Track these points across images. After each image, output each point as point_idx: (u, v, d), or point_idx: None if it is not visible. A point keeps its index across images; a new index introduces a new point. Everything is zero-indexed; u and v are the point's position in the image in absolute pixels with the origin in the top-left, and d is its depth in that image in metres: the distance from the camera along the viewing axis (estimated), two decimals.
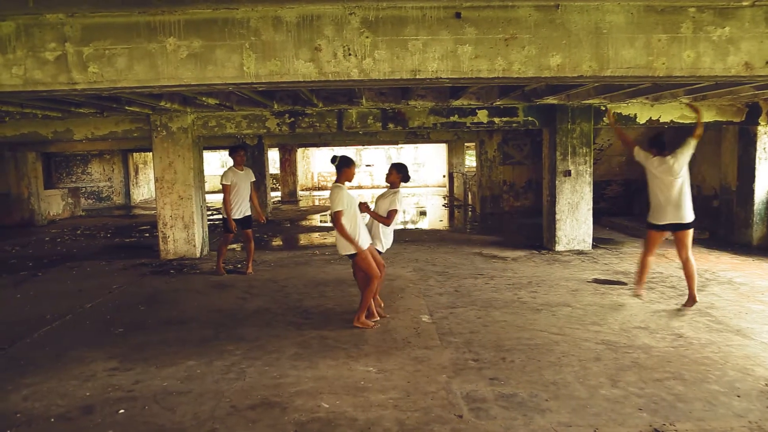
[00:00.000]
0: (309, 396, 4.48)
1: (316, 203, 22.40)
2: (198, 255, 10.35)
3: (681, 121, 10.18)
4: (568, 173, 10.24)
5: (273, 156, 26.08)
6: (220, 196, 8.78)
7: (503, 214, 16.55)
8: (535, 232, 12.02)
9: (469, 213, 17.79)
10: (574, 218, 10.35)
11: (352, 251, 5.92)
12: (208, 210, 18.03)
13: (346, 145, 25.73)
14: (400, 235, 12.94)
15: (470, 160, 26.14)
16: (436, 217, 17.46)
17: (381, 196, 6.52)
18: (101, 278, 8.95)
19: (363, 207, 6.31)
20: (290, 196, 23.61)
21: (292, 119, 10.41)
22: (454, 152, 23.38)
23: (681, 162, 6.47)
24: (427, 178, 29.68)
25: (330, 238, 12.84)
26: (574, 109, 10.05)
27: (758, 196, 10.21)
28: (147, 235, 13.95)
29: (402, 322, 6.28)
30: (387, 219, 6.37)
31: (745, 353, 5.18)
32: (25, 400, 4.53)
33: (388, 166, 6.66)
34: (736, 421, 3.95)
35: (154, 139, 10.18)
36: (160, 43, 4.01)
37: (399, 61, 4.05)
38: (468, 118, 10.28)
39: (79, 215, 19.14)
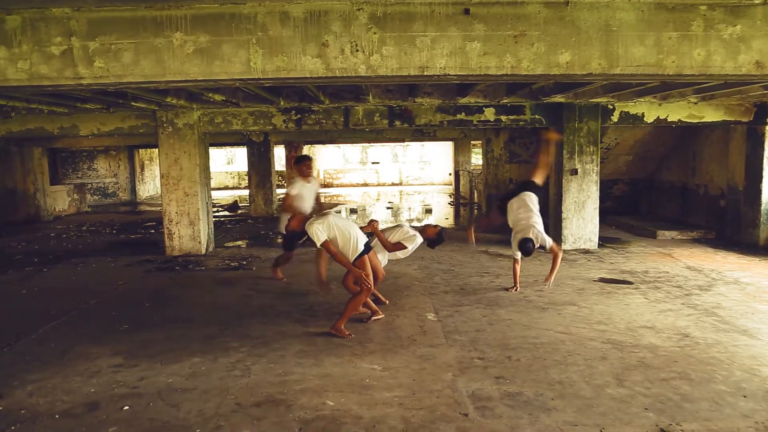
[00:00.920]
0: (314, 393, 4.47)
1: (322, 201, 22.35)
2: (203, 252, 10.36)
3: (689, 121, 10.13)
4: (574, 172, 10.20)
5: (279, 153, 26.09)
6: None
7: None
8: None
9: (475, 211, 17.76)
10: (581, 217, 10.31)
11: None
12: (214, 207, 18.05)
13: (352, 143, 25.72)
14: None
15: (476, 159, 26.08)
16: (442, 215, 17.43)
17: (400, 227, 6.67)
18: (106, 274, 8.96)
19: (372, 226, 6.38)
20: None
21: (299, 116, 10.40)
22: (461, 150, 23.35)
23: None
24: (433, 176, 29.65)
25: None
26: (581, 107, 10.00)
27: (765, 196, 10.14)
28: (152, 231, 13.96)
29: (407, 320, 6.27)
30: (391, 247, 6.47)
31: (751, 353, 5.15)
32: (30, 396, 4.54)
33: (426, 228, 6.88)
34: (743, 422, 3.93)
35: (160, 136, 10.19)
36: (166, 38, 3.99)
37: (407, 58, 4.03)
38: (475, 115, 10.25)
39: (84, 211, 19.19)
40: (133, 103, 8.82)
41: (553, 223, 10.61)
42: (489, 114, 10.24)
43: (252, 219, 16.11)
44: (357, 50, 4.01)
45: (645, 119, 10.16)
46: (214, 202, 19.73)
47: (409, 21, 3.99)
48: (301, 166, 7.91)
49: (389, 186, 29.26)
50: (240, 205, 19.68)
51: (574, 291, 7.39)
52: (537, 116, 10.30)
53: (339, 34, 3.99)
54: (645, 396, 4.33)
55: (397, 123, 10.42)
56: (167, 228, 10.36)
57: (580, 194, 10.27)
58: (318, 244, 5.71)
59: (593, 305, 6.72)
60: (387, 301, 6.83)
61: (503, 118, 10.27)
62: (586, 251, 10.09)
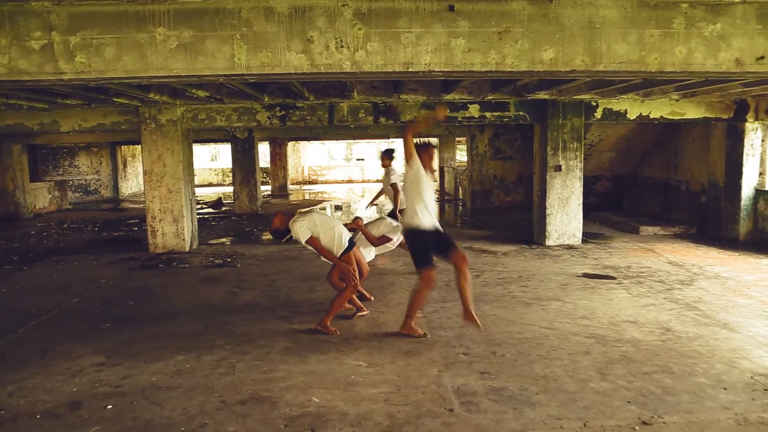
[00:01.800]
0: (299, 390, 4.46)
1: (307, 197, 22.33)
2: (187, 249, 10.28)
3: (670, 117, 10.23)
4: (558, 168, 10.27)
5: (263, 149, 25.96)
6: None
7: (494, 209, 16.58)
8: (525, 226, 12.04)
9: (460, 208, 17.81)
10: (565, 213, 10.38)
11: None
12: (198, 204, 17.93)
13: (336, 139, 25.67)
14: None
15: (461, 155, 26.14)
16: None
17: (382, 219, 6.66)
18: (89, 272, 8.87)
19: (356, 223, 6.34)
20: (280, 190, 23.53)
21: (283, 112, 10.35)
22: (445, 147, 23.36)
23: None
24: None
25: None
26: (565, 104, 10.06)
27: (745, 192, 10.29)
28: (135, 228, 13.84)
29: (393, 317, 6.27)
30: (376, 241, 6.46)
31: (731, 346, 5.23)
32: (10, 396, 4.48)
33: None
34: (723, 413, 3.99)
35: (143, 132, 10.09)
36: (149, 33, 3.95)
37: (392, 54, 4.02)
38: (460, 112, 10.27)
39: (66, 209, 18.97)
40: (115, 99, 8.72)
41: (537, 219, 10.68)
42: (474, 111, 10.26)
43: (236, 216, 16.02)
44: (342, 46, 4.00)
45: (628, 116, 10.25)
46: (198, 199, 19.60)
47: (394, 17, 3.98)
48: (423, 154, 7.10)
49: (374, 182, 29.20)
50: (224, 202, 19.57)
51: (558, 286, 7.44)
52: (521, 113, 10.34)
53: (324, 30, 3.98)
54: (627, 389, 4.37)
55: (382, 119, 10.41)
56: (150, 225, 10.27)
57: (564, 190, 10.34)
58: (302, 242, 5.69)
59: (577, 300, 6.78)
60: (372, 298, 6.83)
61: (488, 114, 10.30)
62: (570, 247, 10.17)
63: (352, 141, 30.31)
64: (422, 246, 5.43)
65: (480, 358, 5.04)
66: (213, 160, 32.58)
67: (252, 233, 12.75)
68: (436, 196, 21.45)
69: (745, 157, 10.23)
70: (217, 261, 9.48)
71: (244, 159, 17.19)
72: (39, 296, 7.42)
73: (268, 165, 24.48)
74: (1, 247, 11.44)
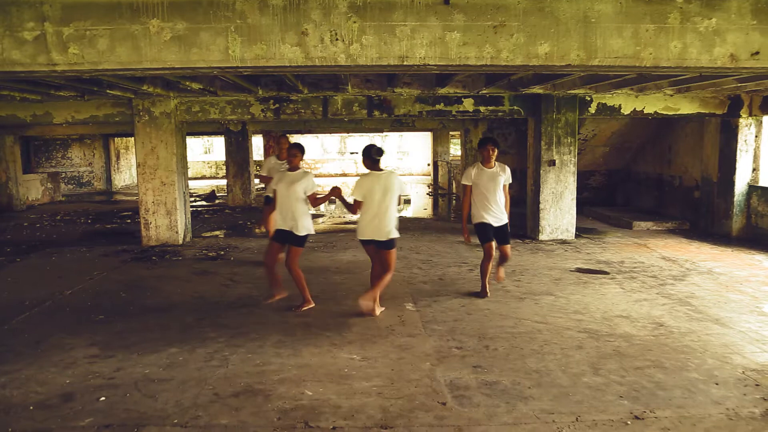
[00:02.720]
0: (292, 383, 4.47)
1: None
2: (180, 242, 10.25)
3: (664, 113, 10.25)
4: (552, 163, 10.28)
5: (257, 142, 25.90)
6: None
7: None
8: (518, 221, 12.04)
9: (453, 201, 17.82)
10: (558, 208, 10.40)
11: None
12: (191, 196, 17.89)
13: (330, 132, 25.58)
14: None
15: (455, 149, 26.15)
16: (420, 206, 17.46)
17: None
18: (82, 264, 8.83)
19: (335, 192, 6.26)
20: None
21: (277, 105, 10.31)
22: (439, 141, 23.37)
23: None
24: (411, 167, 29.65)
25: (314, 226, 12.77)
26: (559, 98, 10.07)
27: (738, 188, 10.34)
28: (129, 221, 13.79)
29: (386, 311, 6.28)
30: (355, 208, 6.12)
31: (723, 342, 5.26)
32: (3, 388, 4.46)
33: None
34: (714, 408, 4.01)
35: (137, 124, 10.04)
36: (143, 24, 3.92)
37: (386, 47, 4.01)
38: (454, 106, 10.27)
39: (59, 200, 18.88)
40: (108, 91, 8.66)
41: (531, 214, 10.70)
42: (468, 105, 10.26)
43: (230, 209, 15.98)
44: (337, 39, 3.98)
45: (622, 111, 10.27)
46: (192, 191, 19.54)
47: (389, 10, 3.96)
48: (484, 149, 6.71)
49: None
50: (218, 194, 19.51)
51: (551, 281, 7.46)
52: (516, 107, 10.35)
53: (318, 23, 3.96)
54: (620, 384, 4.40)
55: (376, 113, 10.39)
56: (144, 218, 10.23)
57: (558, 185, 10.36)
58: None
59: (570, 295, 6.80)
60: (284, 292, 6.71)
61: (482, 108, 10.30)
62: (563, 241, 10.20)
63: (346, 134, 30.20)
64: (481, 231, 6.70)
65: (473, 352, 5.06)
66: (206, 152, 32.44)
67: (245, 226, 12.73)
68: (430, 189, 21.50)
69: (738, 152, 10.27)
70: (210, 254, 9.46)
71: (237, 152, 17.14)
72: (32, 288, 7.39)
73: (262, 158, 24.41)
74: None
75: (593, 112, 10.35)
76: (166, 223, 10.21)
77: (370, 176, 5.96)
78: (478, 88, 9.09)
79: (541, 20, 4.05)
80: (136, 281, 7.75)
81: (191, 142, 29.51)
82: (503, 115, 10.58)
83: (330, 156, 31.30)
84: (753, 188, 10.30)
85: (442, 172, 22.21)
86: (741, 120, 10.19)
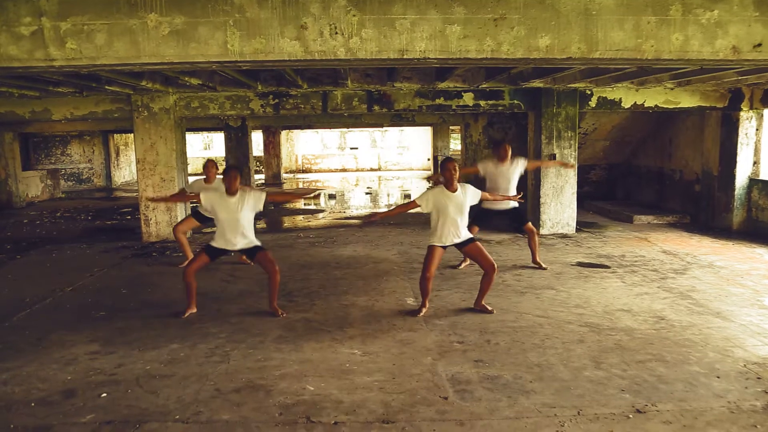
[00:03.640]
0: (294, 379, 4.46)
1: (300, 186, 22.28)
2: None
3: (665, 106, 10.22)
4: (553, 157, 10.26)
5: (256, 138, 25.84)
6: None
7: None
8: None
9: None
10: (559, 202, 10.39)
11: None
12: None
13: (330, 128, 25.57)
14: (385, 218, 12.90)
15: (455, 144, 26.13)
16: None
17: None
18: (82, 261, 8.82)
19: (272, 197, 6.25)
20: (274, 179, 23.45)
21: (277, 100, 10.29)
22: (439, 135, 23.36)
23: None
24: (411, 162, 29.62)
25: (314, 221, 12.78)
26: (559, 92, 10.04)
27: (739, 182, 10.32)
28: (128, 217, 13.78)
29: (387, 305, 6.28)
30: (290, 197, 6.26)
31: (724, 335, 5.25)
32: (4, 384, 4.46)
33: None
34: (716, 402, 4.01)
35: (136, 120, 10.02)
36: (140, 19, 3.90)
37: (386, 41, 3.98)
38: (454, 100, 10.24)
39: (58, 197, 18.86)
40: (107, 87, 8.64)
41: (532, 208, 10.68)
42: (468, 99, 10.23)
43: None
44: (336, 33, 3.96)
45: (622, 104, 10.24)
46: None
47: (389, 3, 3.94)
48: (498, 149, 7.66)
49: (368, 171, 29.20)
50: None
51: (552, 275, 7.45)
52: (516, 101, 10.32)
53: (318, 17, 3.93)
54: (621, 378, 4.39)
55: (376, 108, 10.36)
56: (144, 214, 10.22)
57: (558, 179, 10.34)
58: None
59: (571, 289, 6.80)
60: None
61: (482, 103, 10.27)
62: (564, 236, 10.19)
63: (345, 129, 30.14)
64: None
65: (474, 347, 5.05)
66: (206, 148, 32.38)
67: None
68: (430, 184, 21.45)
69: (739, 146, 10.24)
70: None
71: (237, 148, 17.11)
72: (32, 285, 7.39)
73: (262, 154, 24.38)
74: None
75: (593, 105, 10.32)
76: (166, 219, 10.20)
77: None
78: (478, 82, 9.07)
79: (542, 13, 4.02)
80: (136, 277, 7.74)
81: (191, 138, 29.45)
82: (503, 110, 10.55)
83: (330, 151, 31.25)
84: (754, 182, 10.28)
85: None
86: (742, 113, 10.16)
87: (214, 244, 6.04)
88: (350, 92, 10.15)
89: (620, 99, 10.21)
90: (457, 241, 5.91)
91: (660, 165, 12.88)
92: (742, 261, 8.11)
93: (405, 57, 4.05)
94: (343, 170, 29.27)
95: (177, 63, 4.07)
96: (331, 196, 18.53)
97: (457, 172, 5.77)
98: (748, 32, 4.11)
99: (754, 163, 10.36)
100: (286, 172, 27.74)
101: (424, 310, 6.00)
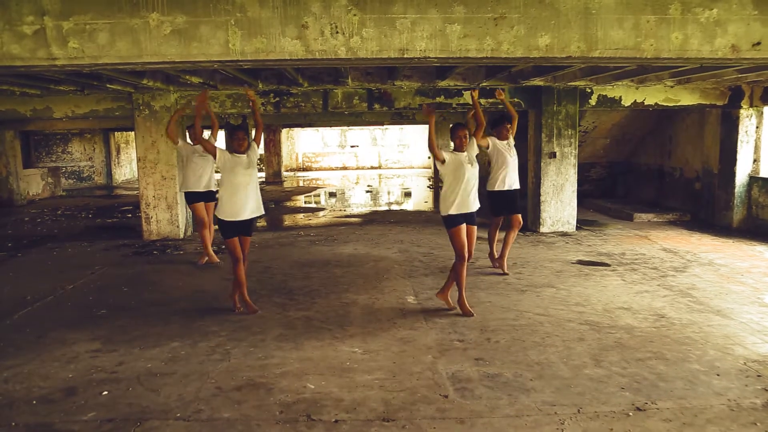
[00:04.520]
0: (294, 377, 4.48)
1: (301, 184, 22.29)
2: (181, 236, 10.26)
3: (665, 104, 10.23)
4: (553, 155, 10.27)
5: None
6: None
7: (488, 196, 16.55)
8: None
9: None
10: (559, 200, 10.40)
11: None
12: None
13: (331, 126, 25.58)
14: (385, 216, 12.94)
15: None
16: (421, 199, 17.47)
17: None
18: (83, 259, 8.84)
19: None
20: (275, 177, 23.46)
21: (277, 99, 10.29)
22: (440, 134, 23.30)
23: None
24: (412, 160, 29.61)
25: (315, 219, 12.80)
26: (560, 91, 10.04)
27: (739, 179, 10.32)
28: (129, 215, 13.79)
29: (387, 304, 6.29)
30: None
31: (724, 333, 5.27)
32: (6, 382, 4.48)
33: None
34: (716, 399, 4.02)
35: (137, 118, 10.03)
36: (142, 18, 3.91)
37: (387, 40, 3.99)
38: (454, 99, 10.24)
39: (59, 195, 18.87)
40: (108, 86, 8.65)
41: (532, 206, 10.69)
42: (468, 97, 10.21)
43: None
44: (337, 32, 3.97)
45: (622, 103, 10.25)
46: None
47: (389, 3, 3.94)
48: (500, 129, 7.64)
49: (368, 169, 29.19)
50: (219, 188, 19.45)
51: (553, 273, 7.47)
52: (516, 99, 10.32)
53: (319, 16, 3.94)
54: (621, 376, 4.41)
55: (377, 106, 10.37)
56: (144, 212, 10.23)
57: (559, 177, 10.35)
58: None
59: (571, 287, 6.81)
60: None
61: (482, 101, 10.23)
62: (564, 234, 10.20)
63: (346, 128, 30.15)
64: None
65: (474, 345, 5.07)
66: None
67: None
68: (430, 182, 21.49)
69: (739, 143, 10.24)
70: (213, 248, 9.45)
71: None
72: (33, 283, 7.40)
73: (263, 152, 24.38)
74: None
75: (594, 104, 10.32)
76: (167, 217, 10.22)
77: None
78: (479, 81, 9.07)
79: (542, 12, 4.03)
80: (137, 275, 7.76)
81: None
82: (503, 108, 10.53)
83: (330, 149, 31.26)
84: (754, 179, 10.28)
85: None
86: (742, 111, 10.16)
87: (224, 216, 5.94)
88: (351, 91, 10.16)
89: (620, 97, 10.21)
90: (473, 209, 5.83)
91: (660, 163, 12.89)
92: (743, 259, 8.12)
93: (405, 56, 4.06)
94: (344, 168, 29.26)
95: (179, 62, 4.08)
96: (332, 194, 18.54)
97: (467, 140, 5.84)
98: (747, 31, 4.12)
99: (754, 160, 10.37)
100: (287, 171, 27.75)
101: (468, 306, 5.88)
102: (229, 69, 7.59)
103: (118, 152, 24.22)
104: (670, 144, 12.49)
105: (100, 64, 4.07)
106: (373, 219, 12.57)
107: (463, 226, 5.76)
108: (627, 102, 10.23)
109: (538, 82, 9.08)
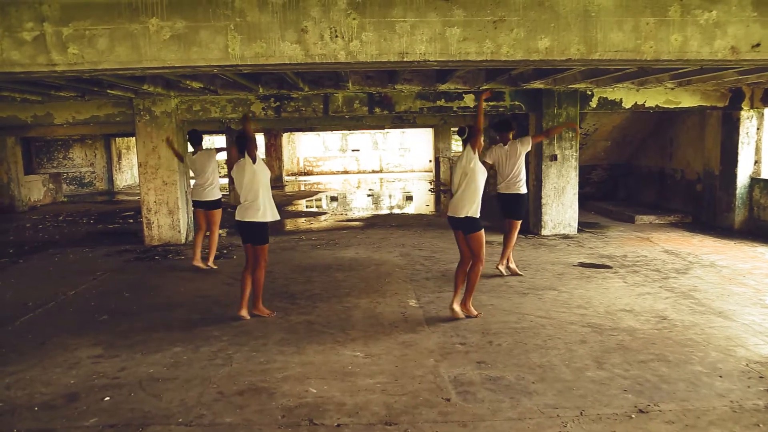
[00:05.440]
0: (296, 381, 4.47)
1: (302, 188, 22.29)
2: (183, 241, 10.26)
3: (666, 106, 10.23)
4: (554, 158, 10.27)
5: (258, 141, 25.86)
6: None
7: (489, 199, 16.56)
8: None
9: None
10: (560, 203, 10.39)
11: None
12: None
13: (332, 130, 25.54)
14: (387, 220, 12.93)
15: (456, 145, 26.09)
16: (423, 202, 17.46)
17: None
18: (84, 265, 8.85)
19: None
20: (276, 182, 23.47)
21: (278, 103, 10.31)
22: (441, 137, 23.35)
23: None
24: (413, 163, 29.62)
25: (316, 223, 12.80)
26: (560, 93, 10.05)
27: (740, 181, 10.31)
28: (131, 221, 13.80)
29: (389, 307, 6.29)
30: None
31: (727, 335, 5.26)
32: (7, 389, 4.48)
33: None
34: (718, 401, 4.01)
35: (137, 124, 10.04)
36: (142, 23, 3.91)
37: (386, 44, 4.00)
38: (455, 102, 10.25)
39: (60, 201, 18.90)
40: (108, 91, 8.67)
41: (533, 209, 10.68)
42: (468, 100, 10.24)
43: (232, 208, 15.94)
44: (336, 36, 3.97)
45: (623, 105, 10.25)
46: None
47: (389, 6, 3.95)
48: (504, 132, 7.80)
49: (369, 173, 29.20)
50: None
51: (554, 276, 7.46)
52: (517, 102, 10.33)
53: (318, 20, 3.95)
54: (624, 378, 4.40)
55: (377, 110, 10.38)
56: (146, 217, 10.24)
57: (560, 180, 10.35)
58: None
59: (573, 290, 6.80)
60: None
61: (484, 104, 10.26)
62: (566, 236, 10.19)
63: (347, 132, 30.14)
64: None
65: (476, 348, 5.06)
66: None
67: None
68: (432, 185, 21.49)
69: (740, 145, 10.24)
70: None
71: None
72: (35, 289, 7.41)
73: (264, 156, 24.41)
74: None
75: (594, 106, 10.32)
76: (169, 222, 10.23)
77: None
78: (479, 84, 9.08)
79: (541, 15, 4.03)
80: (139, 281, 7.76)
81: None
82: (504, 111, 10.56)
83: (331, 153, 31.28)
84: (755, 181, 10.27)
85: (443, 168, 22.17)
86: (742, 112, 10.16)
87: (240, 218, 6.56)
88: (351, 95, 10.17)
89: (621, 99, 10.21)
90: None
91: (661, 165, 12.88)
92: (744, 260, 8.11)
93: (405, 60, 4.06)
94: (345, 172, 29.28)
95: (178, 67, 4.08)
96: (333, 198, 18.54)
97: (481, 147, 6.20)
98: (746, 32, 4.11)
99: (755, 162, 10.35)
100: (288, 175, 27.78)
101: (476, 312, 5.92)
102: (229, 74, 7.60)
103: (120, 158, 24.26)
104: (671, 146, 12.48)
105: (100, 69, 4.07)
106: (375, 223, 12.57)
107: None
108: (628, 104, 10.23)
109: (538, 84, 9.09)
